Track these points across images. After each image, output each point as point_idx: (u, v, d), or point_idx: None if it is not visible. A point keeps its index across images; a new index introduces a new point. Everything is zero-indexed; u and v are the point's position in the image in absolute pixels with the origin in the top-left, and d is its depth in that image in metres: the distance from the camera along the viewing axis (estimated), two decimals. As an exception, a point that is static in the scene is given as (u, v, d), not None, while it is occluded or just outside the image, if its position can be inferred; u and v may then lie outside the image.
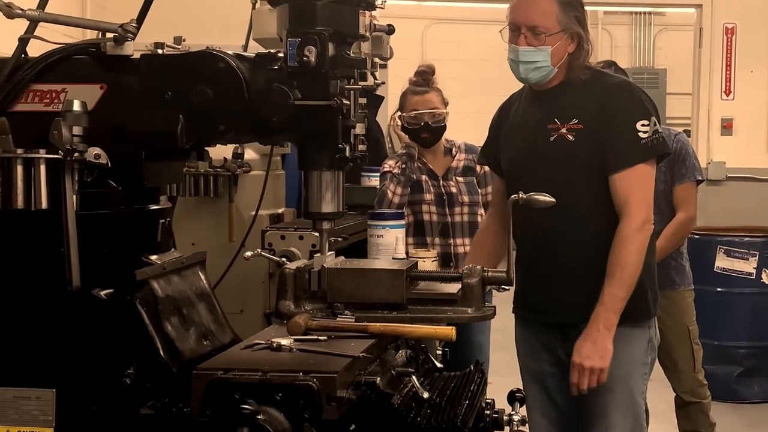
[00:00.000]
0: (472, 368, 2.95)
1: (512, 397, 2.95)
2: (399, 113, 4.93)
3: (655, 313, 3.66)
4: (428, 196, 4.79)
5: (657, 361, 4.46)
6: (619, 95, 3.51)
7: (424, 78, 4.92)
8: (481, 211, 4.82)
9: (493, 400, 2.84)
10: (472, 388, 2.79)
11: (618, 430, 3.52)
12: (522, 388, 3.46)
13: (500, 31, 3.54)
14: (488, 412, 2.77)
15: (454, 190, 4.82)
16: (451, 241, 4.77)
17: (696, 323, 5.51)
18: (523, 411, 2.88)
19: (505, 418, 2.78)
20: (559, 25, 3.46)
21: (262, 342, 2.53)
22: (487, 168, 4.69)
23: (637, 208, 3.42)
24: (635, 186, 3.44)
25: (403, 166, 4.77)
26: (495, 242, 3.80)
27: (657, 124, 3.46)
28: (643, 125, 3.43)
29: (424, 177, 4.83)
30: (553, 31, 3.45)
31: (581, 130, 3.47)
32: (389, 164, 4.84)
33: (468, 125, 7.10)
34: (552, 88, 3.57)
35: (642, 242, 3.42)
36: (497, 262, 3.68)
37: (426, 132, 4.82)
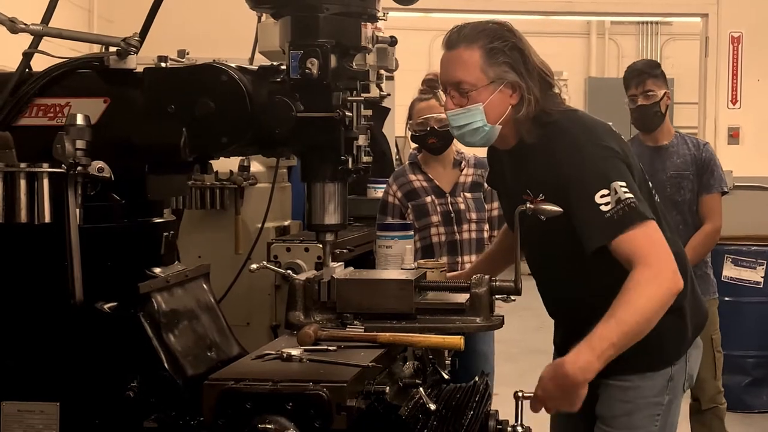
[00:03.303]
0: (477, 379, 2.95)
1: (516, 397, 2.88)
2: (408, 123, 4.92)
3: (674, 359, 3.20)
4: (435, 218, 4.76)
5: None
6: (570, 166, 2.98)
7: (430, 86, 4.92)
8: (487, 227, 4.80)
9: (497, 411, 2.84)
10: (476, 398, 2.79)
11: None
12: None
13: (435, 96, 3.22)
14: (492, 423, 2.77)
15: (462, 206, 4.79)
16: (459, 258, 4.72)
17: (719, 331, 5.49)
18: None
19: (509, 429, 2.77)
20: (485, 77, 3.01)
21: (273, 352, 2.54)
22: None
23: (655, 258, 2.87)
24: (640, 244, 2.89)
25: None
26: (502, 262, 3.73)
27: (619, 188, 2.90)
28: (602, 196, 2.90)
29: (429, 198, 4.81)
30: (481, 85, 3.01)
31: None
32: (392, 191, 4.86)
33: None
34: (514, 149, 3.16)
35: (656, 293, 2.83)
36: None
37: (433, 137, 4.79)
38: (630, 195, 2.91)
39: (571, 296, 3.19)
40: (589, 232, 2.92)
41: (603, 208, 2.89)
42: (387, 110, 6.75)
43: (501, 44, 3.02)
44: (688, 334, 3.21)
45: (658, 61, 5.64)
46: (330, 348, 2.55)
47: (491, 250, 3.95)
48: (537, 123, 3.07)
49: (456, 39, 3.05)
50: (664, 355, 3.16)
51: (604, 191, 2.90)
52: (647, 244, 2.89)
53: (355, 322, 2.68)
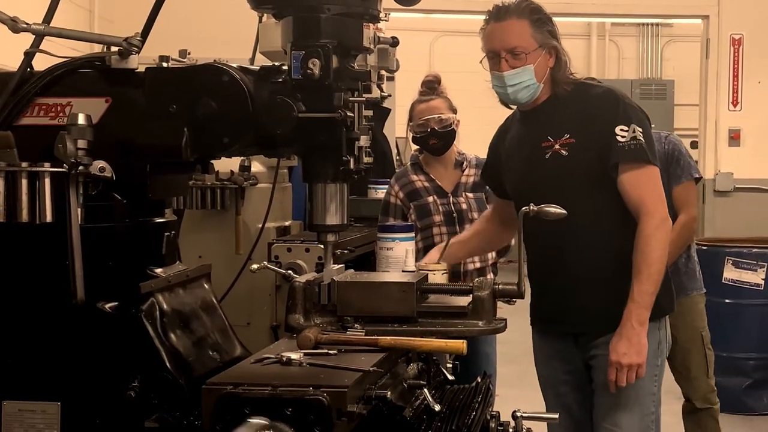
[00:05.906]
0: (479, 380, 2.94)
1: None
2: (409, 125, 4.92)
3: (669, 311, 3.71)
4: (437, 218, 4.76)
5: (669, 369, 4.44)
6: (601, 103, 3.58)
7: (430, 87, 4.92)
8: None
9: (498, 412, 2.84)
10: (478, 399, 2.79)
11: (624, 429, 3.55)
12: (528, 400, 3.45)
13: (480, 62, 3.63)
14: (493, 424, 2.76)
15: (464, 206, 4.80)
16: None
17: (708, 328, 5.47)
18: (527, 424, 2.87)
19: (510, 430, 2.77)
20: (535, 42, 3.55)
21: (272, 356, 2.51)
22: None
23: (653, 206, 3.49)
24: (646, 185, 3.50)
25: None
26: (493, 233, 4.08)
27: (637, 131, 3.49)
28: (622, 130, 3.48)
29: (431, 198, 4.81)
30: (532, 49, 3.54)
31: (573, 144, 3.54)
32: (394, 191, 4.86)
33: (476, 136, 7.08)
34: (540, 105, 3.65)
35: (664, 238, 3.49)
36: (490, 250, 4.42)
37: (434, 138, 4.80)
38: (643, 139, 3.49)
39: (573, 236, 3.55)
40: (609, 156, 3.48)
41: (619, 138, 3.48)
42: (388, 111, 6.75)
43: (543, 16, 3.62)
44: (672, 292, 3.72)
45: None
46: (330, 352, 2.52)
47: (472, 234, 4.16)
48: (570, 81, 3.65)
49: (505, 12, 3.59)
50: (657, 308, 3.53)
51: (625, 126, 3.49)
52: (651, 190, 3.51)
53: (356, 325, 2.67)
